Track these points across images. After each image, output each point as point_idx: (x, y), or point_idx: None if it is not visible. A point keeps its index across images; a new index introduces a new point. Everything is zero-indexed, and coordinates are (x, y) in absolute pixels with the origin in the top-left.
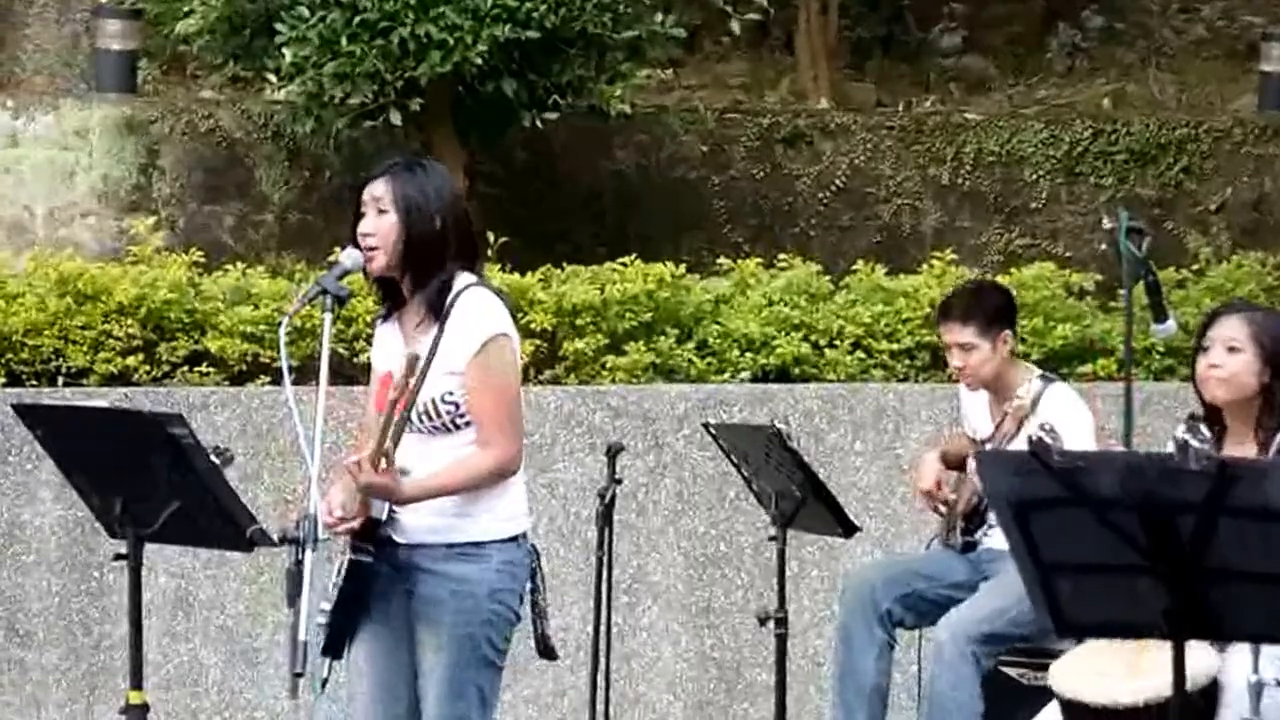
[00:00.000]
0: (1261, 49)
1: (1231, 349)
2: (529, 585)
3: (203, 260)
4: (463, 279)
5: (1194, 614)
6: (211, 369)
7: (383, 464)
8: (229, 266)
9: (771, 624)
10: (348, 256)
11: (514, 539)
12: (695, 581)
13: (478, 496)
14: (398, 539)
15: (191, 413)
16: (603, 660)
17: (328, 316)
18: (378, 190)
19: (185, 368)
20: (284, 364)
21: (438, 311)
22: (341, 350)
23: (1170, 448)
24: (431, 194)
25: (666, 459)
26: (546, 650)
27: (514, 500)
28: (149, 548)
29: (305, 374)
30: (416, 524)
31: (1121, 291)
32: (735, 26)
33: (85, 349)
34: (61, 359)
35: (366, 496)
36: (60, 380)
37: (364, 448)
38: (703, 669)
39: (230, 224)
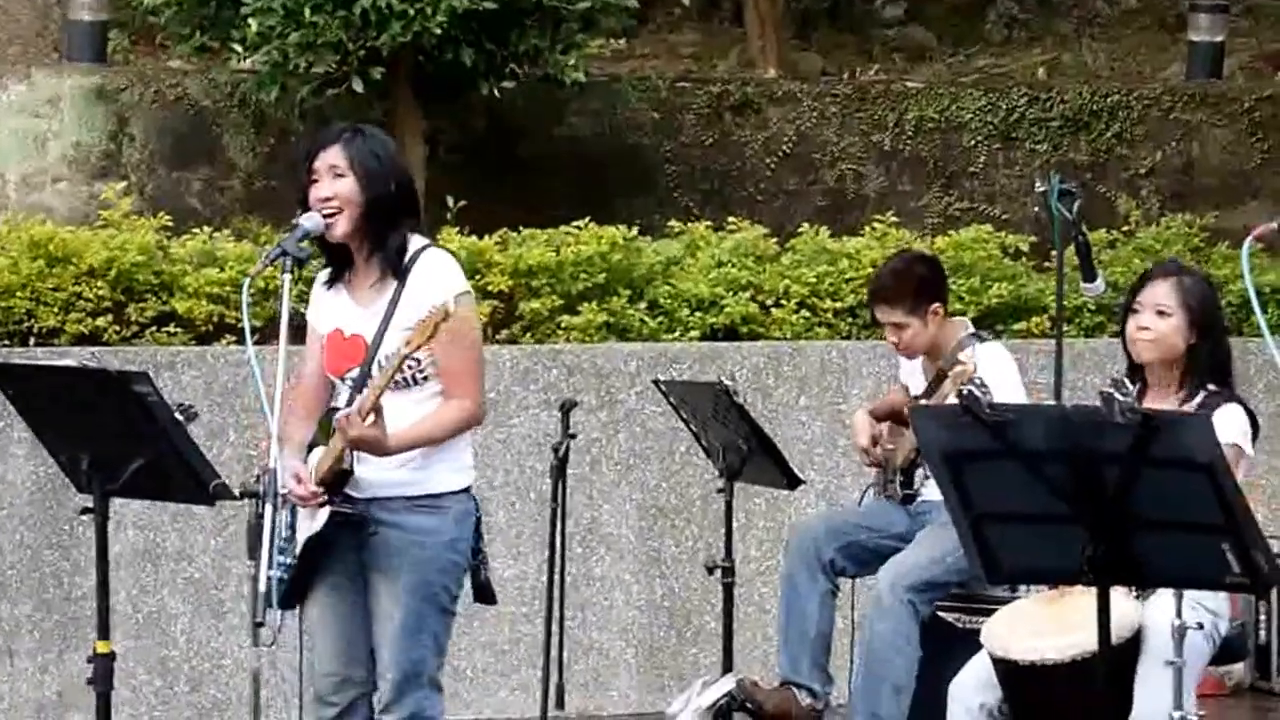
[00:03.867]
0: (1189, 19)
1: (1161, 312)
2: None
3: (171, 224)
4: (417, 240)
5: (1118, 561)
6: (179, 329)
7: (371, 418)
8: (196, 230)
9: (719, 573)
10: (308, 219)
11: (466, 490)
12: (646, 532)
13: (436, 450)
14: (354, 493)
15: (159, 371)
16: (557, 608)
17: (286, 277)
18: (332, 157)
19: (153, 328)
20: (246, 324)
21: (396, 270)
22: (303, 310)
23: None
24: (384, 159)
25: (619, 415)
26: (487, 595)
27: (465, 453)
28: (119, 502)
29: (268, 334)
30: (376, 478)
31: (1054, 252)
32: None
33: (56, 310)
34: (33, 320)
35: (354, 449)
36: (32, 340)
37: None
38: (654, 616)
39: (198, 189)
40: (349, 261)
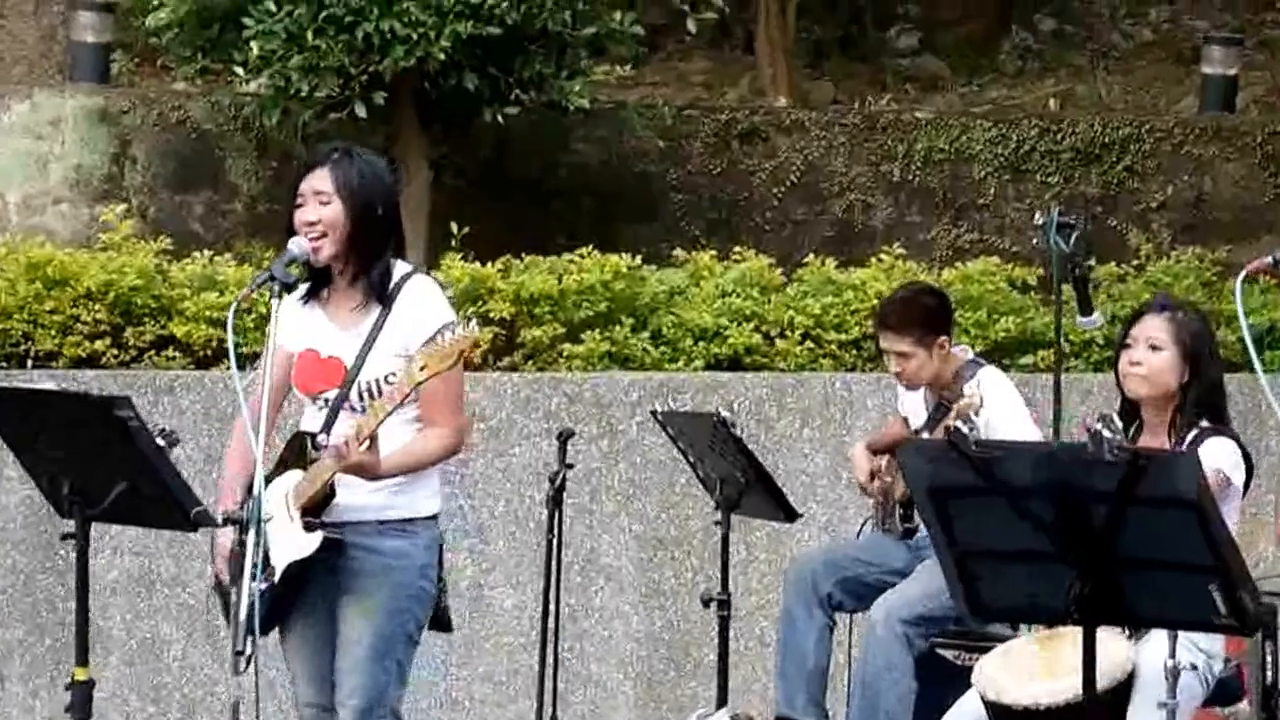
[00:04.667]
0: (1202, 52)
1: (1154, 347)
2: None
3: (171, 248)
4: (402, 265)
5: (1105, 600)
6: (178, 354)
7: (367, 444)
8: (197, 254)
9: (715, 606)
10: (295, 245)
11: (434, 516)
12: (646, 564)
13: (414, 475)
14: (327, 517)
15: (158, 396)
16: (552, 640)
17: (276, 303)
18: (319, 181)
19: (152, 352)
20: (231, 349)
21: (380, 295)
22: None
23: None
24: (372, 182)
25: (620, 444)
26: (444, 624)
27: (435, 479)
28: (114, 528)
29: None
30: (349, 501)
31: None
32: (691, 25)
33: (54, 333)
34: (31, 343)
35: (347, 474)
36: (29, 363)
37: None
38: (652, 649)
39: (200, 213)
40: (328, 281)
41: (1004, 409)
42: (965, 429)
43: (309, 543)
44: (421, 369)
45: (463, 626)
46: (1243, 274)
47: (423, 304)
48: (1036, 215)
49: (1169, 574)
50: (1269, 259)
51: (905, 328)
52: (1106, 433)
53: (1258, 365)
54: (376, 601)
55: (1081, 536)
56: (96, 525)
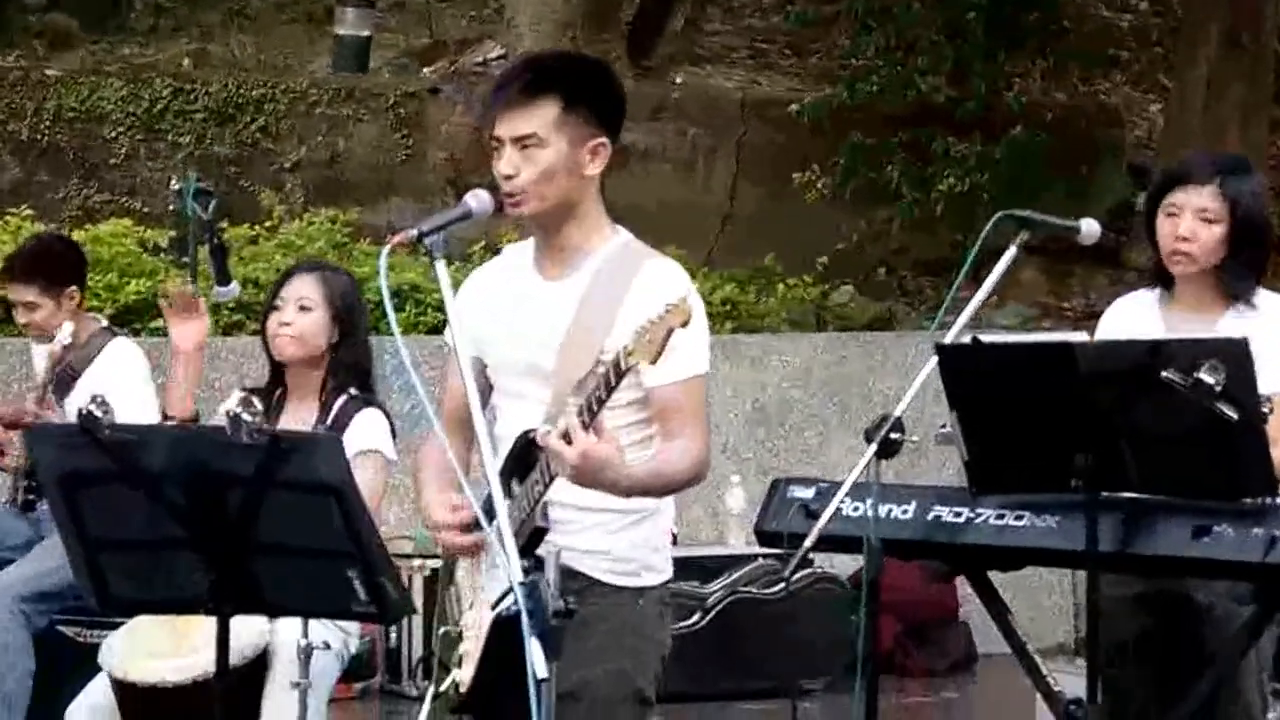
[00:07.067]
0: (336, 14)
1: (304, 307)
2: None
3: None
4: None
5: (239, 588)
6: None
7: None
8: None
9: None
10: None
11: None
12: None
13: None
14: None
15: None
16: None
17: None
18: None
19: None
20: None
21: None
22: None
23: (221, 420)
24: None
25: None
26: None
27: None
28: None
29: None
30: None
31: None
32: None
33: None
34: None
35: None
36: None
37: None
38: None
39: None
40: None
41: (122, 382)
42: (99, 411)
43: None
44: None
45: None
46: (389, 246)
47: None
48: (173, 180)
49: (308, 561)
50: (413, 232)
51: (31, 275)
52: (246, 415)
53: (394, 324)
54: None
55: (217, 523)
56: None
